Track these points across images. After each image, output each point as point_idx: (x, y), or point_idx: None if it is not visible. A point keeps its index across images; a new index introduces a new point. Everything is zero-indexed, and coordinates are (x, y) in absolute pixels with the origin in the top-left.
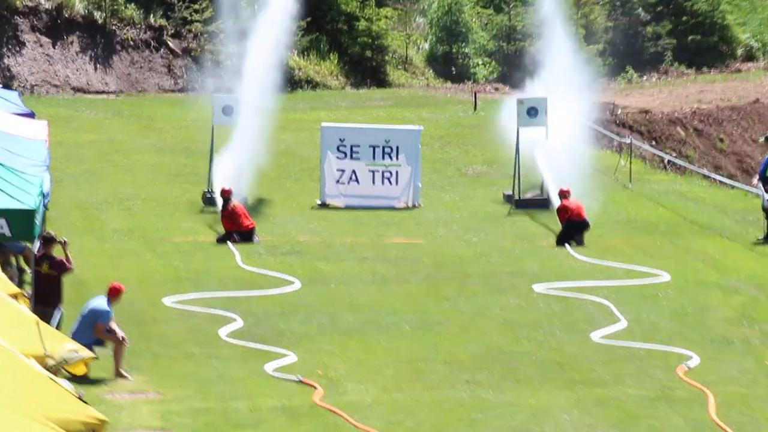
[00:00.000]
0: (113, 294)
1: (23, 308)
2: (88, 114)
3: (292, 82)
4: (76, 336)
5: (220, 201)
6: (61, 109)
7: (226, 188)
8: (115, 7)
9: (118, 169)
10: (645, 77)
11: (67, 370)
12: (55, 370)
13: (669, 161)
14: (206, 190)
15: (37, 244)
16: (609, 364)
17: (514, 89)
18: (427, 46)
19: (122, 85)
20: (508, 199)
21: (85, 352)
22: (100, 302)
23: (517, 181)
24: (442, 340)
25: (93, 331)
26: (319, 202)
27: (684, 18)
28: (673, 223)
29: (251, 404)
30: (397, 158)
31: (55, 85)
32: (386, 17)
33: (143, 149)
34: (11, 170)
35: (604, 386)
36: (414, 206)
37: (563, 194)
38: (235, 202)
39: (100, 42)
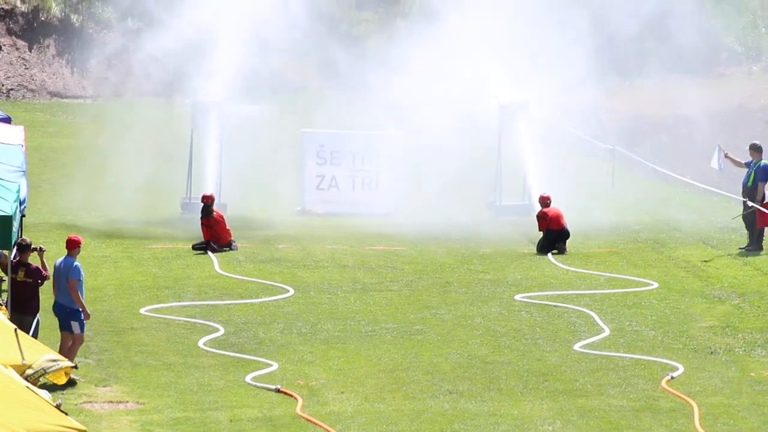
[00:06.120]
0: (72, 246)
1: (1, 317)
2: (65, 118)
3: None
4: (61, 299)
5: (201, 206)
6: (38, 113)
7: (208, 194)
8: (92, 9)
9: (96, 175)
10: (628, 82)
11: (48, 380)
12: (34, 379)
13: (652, 168)
14: (185, 197)
15: (13, 252)
16: (592, 374)
17: None
18: None
19: (99, 89)
20: (490, 205)
21: (64, 362)
22: (66, 261)
23: (499, 187)
24: (424, 350)
25: (69, 287)
26: (299, 209)
27: (667, 21)
28: (656, 231)
29: (231, 414)
30: (377, 164)
31: (32, 90)
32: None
33: (121, 154)
34: None
35: (587, 396)
36: (395, 213)
37: (543, 201)
38: (217, 211)
39: (77, 45)
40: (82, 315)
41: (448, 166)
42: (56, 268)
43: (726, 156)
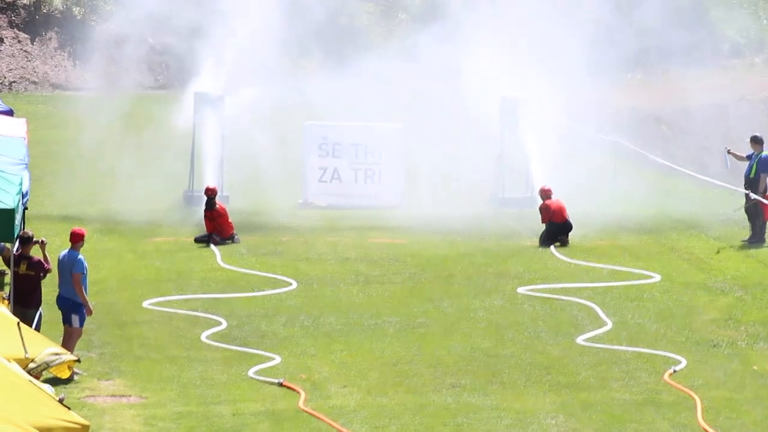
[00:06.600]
0: (75, 239)
1: (4, 310)
2: (67, 111)
3: None
4: (65, 292)
5: (203, 199)
6: (40, 106)
7: (211, 186)
8: (94, 1)
9: (98, 168)
10: (630, 74)
11: (51, 374)
12: (36, 373)
13: (654, 160)
14: (187, 189)
15: (16, 244)
16: (595, 367)
17: None
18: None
19: (101, 81)
20: (493, 198)
21: (67, 355)
22: (70, 254)
23: (501, 179)
24: (426, 343)
25: (72, 281)
26: (301, 201)
27: (669, 13)
28: (659, 223)
29: (234, 408)
30: (380, 156)
31: (34, 82)
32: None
33: (123, 147)
34: None
35: (589, 390)
36: (397, 205)
37: (545, 193)
38: (219, 203)
39: (79, 37)
40: (84, 309)
41: (451, 159)
42: (60, 261)
43: (729, 152)
